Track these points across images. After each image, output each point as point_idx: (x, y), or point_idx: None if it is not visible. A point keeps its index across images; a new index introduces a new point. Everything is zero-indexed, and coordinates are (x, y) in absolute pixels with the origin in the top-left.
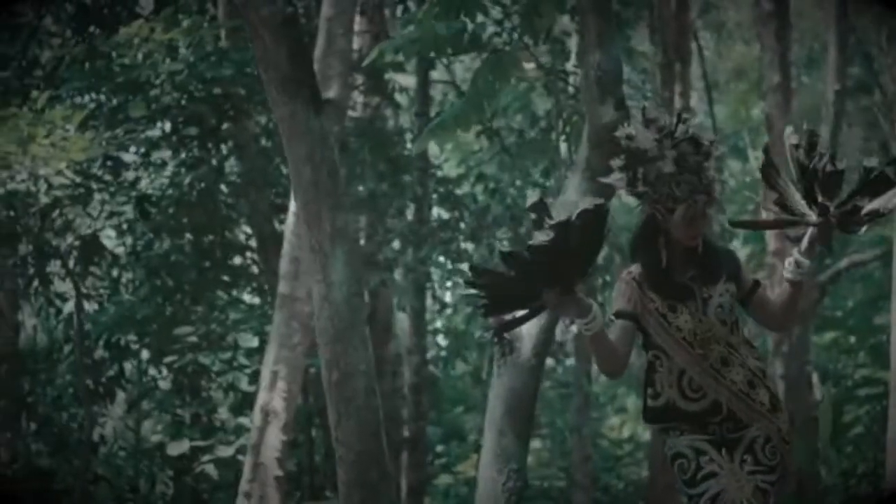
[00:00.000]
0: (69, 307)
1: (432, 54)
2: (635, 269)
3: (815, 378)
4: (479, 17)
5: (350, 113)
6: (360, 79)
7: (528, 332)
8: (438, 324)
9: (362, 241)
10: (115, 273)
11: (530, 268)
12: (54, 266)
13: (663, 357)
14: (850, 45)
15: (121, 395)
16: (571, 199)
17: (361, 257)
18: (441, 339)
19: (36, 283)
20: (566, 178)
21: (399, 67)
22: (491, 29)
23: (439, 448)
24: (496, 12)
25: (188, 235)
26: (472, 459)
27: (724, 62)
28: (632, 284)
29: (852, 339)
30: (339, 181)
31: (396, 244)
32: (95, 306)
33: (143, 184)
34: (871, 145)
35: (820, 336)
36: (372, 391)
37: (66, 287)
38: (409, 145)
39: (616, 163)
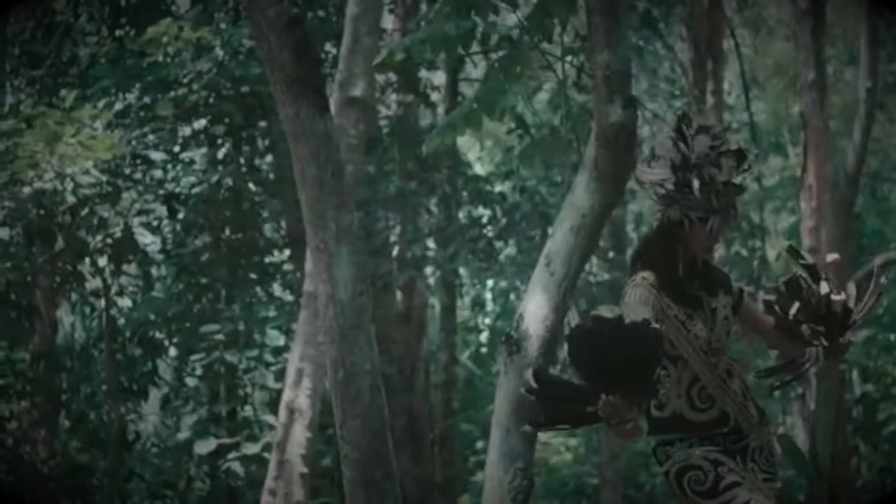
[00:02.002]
0: (103, 304)
1: (442, 54)
2: (649, 275)
3: (854, 375)
4: (491, 16)
5: (384, 111)
6: (392, 77)
7: (535, 331)
8: (479, 321)
9: (393, 238)
10: (147, 270)
11: (594, 374)
12: (88, 264)
13: (671, 367)
14: (890, 43)
15: (157, 393)
16: (580, 200)
17: (388, 255)
18: (477, 337)
19: (71, 280)
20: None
21: (431, 65)
22: (510, 26)
23: (479, 444)
24: (507, 13)
25: (218, 233)
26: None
27: (764, 59)
28: (651, 291)
29: (892, 336)
30: (343, 180)
31: (431, 242)
32: (129, 303)
33: (172, 182)
34: None
35: (854, 333)
36: (377, 390)
37: (100, 284)
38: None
39: (664, 163)
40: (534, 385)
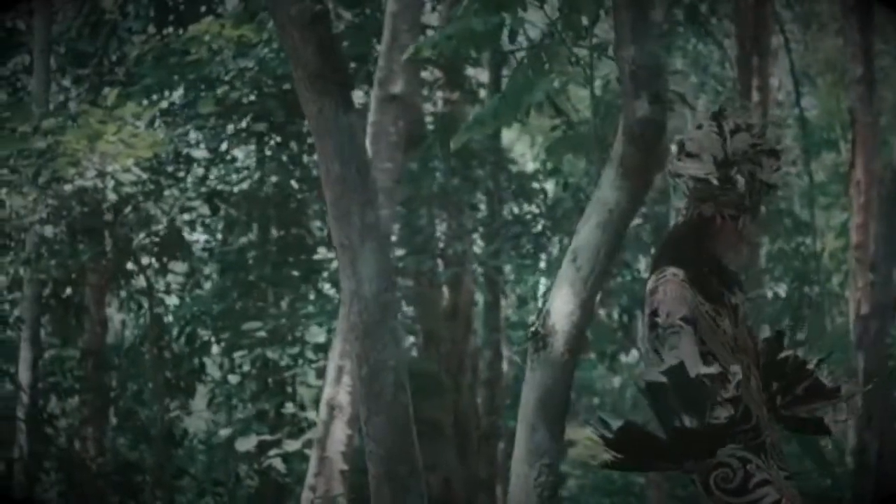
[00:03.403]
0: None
1: (472, 51)
2: (678, 271)
3: None
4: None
5: (430, 108)
6: (438, 74)
7: (561, 328)
8: (525, 317)
9: (438, 234)
10: (193, 268)
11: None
12: (133, 262)
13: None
14: None
15: (205, 390)
16: (606, 196)
17: (430, 252)
18: (525, 333)
19: (119, 278)
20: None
21: (476, 62)
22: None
23: None
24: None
25: (264, 231)
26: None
27: (816, 54)
28: (685, 286)
29: None
30: (368, 177)
31: (478, 239)
32: (176, 301)
33: (214, 180)
34: None
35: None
36: (401, 387)
37: (154, 282)
38: (480, 140)
39: (707, 158)
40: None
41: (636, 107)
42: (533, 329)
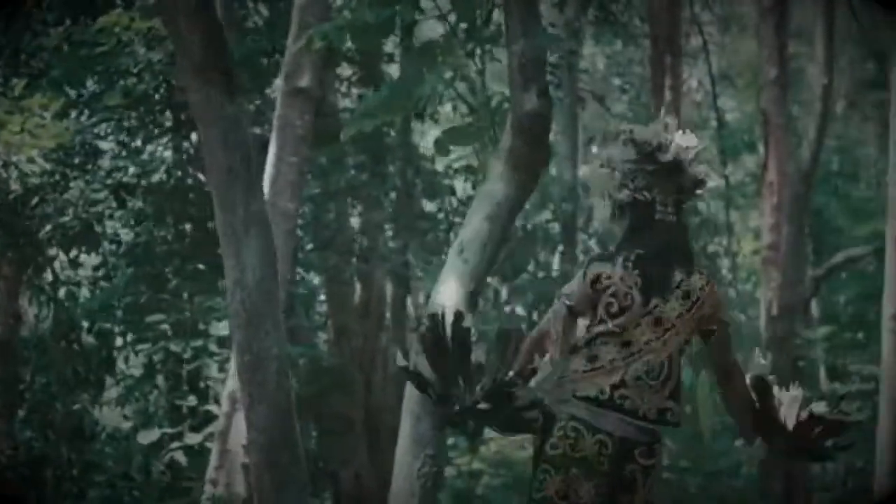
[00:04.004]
0: (61, 294)
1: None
2: None
3: (822, 374)
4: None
5: (346, 104)
6: (352, 70)
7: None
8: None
9: (349, 229)
10: (105, 260)
11: None
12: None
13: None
14: (863, 43)
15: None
16: (495, 189)
17: (338, 247)
18: None
19: (29, 270)
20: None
21: (391, 58)
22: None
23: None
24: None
25: (171, 223)
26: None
27: (737, 56)
28: None
29: (850, 335)
30: (252, 166)
31: (390, 234)
32: (87, 294)
33: (119, 172)
34: (885, 140)
35: (814, 330)
36: (284, 375)
37: (62, 274)
38: (392, 136)
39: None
40: None
41: (524, 100)
42: (417, 321)
